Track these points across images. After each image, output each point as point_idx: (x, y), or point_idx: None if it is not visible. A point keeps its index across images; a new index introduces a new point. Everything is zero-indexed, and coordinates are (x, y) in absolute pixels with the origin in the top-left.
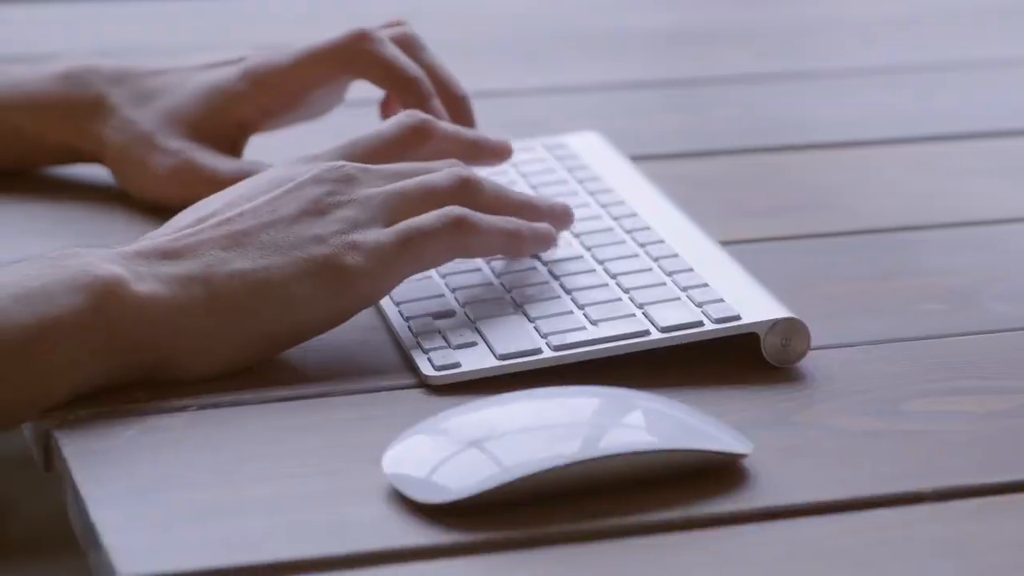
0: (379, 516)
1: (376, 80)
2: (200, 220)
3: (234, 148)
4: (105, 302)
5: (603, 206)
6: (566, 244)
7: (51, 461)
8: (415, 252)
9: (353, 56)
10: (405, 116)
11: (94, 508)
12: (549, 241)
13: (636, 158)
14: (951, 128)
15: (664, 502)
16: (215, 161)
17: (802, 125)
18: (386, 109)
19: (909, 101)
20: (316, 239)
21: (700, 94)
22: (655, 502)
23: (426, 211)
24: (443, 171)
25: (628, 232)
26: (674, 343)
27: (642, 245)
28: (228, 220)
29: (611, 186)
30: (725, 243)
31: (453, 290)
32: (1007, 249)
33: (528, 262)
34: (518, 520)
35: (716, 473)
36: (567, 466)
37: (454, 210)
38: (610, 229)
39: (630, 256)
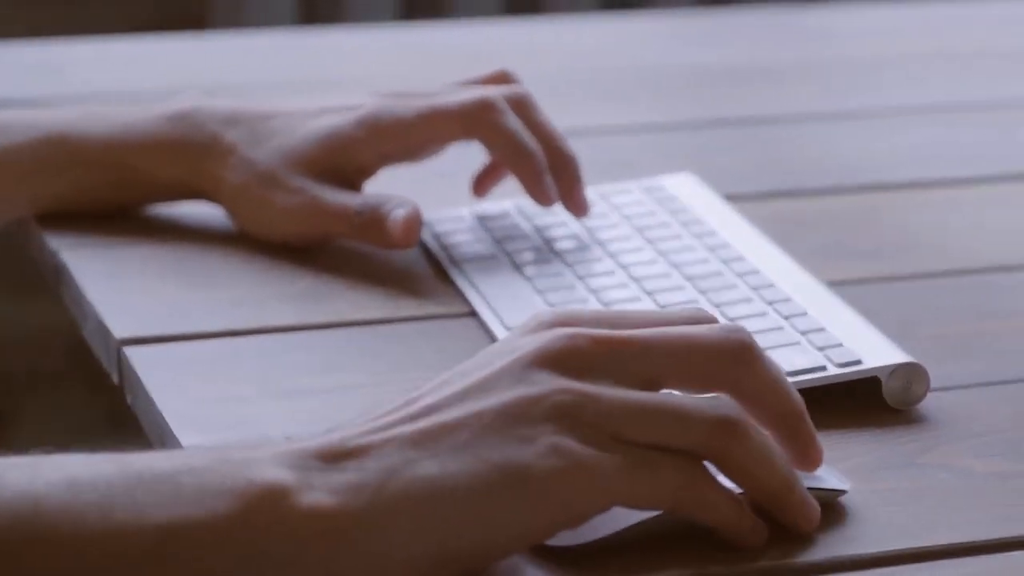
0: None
1: (494, 150)
2: (406, 403)
3: (352, 189)
4: (257, 512)
5: (710, 249)
6: (679, 287)
7: None
8: (634, 486)
9: (476, 123)
10: (734, 331)
11: None
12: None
13: (727, 197)
14: None
15: (797, 545)
16: (341, 196)
17: (883, 163)
18: (491, 173)
19: (994, 137)
20: (521, 440)
21: (774, 132)
22: (782, 544)
23: (666, 439)
24: (712, 402)
25: (739, 276)
26: (799, 388)
27: (755, 289)
28: (429, 408)
29: (714, 228)
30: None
31: None
32: None
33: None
34: (631, 563)
35: (848, 516)
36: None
37: (697, 474)
38: (720, 273)
39: (744, 300)
